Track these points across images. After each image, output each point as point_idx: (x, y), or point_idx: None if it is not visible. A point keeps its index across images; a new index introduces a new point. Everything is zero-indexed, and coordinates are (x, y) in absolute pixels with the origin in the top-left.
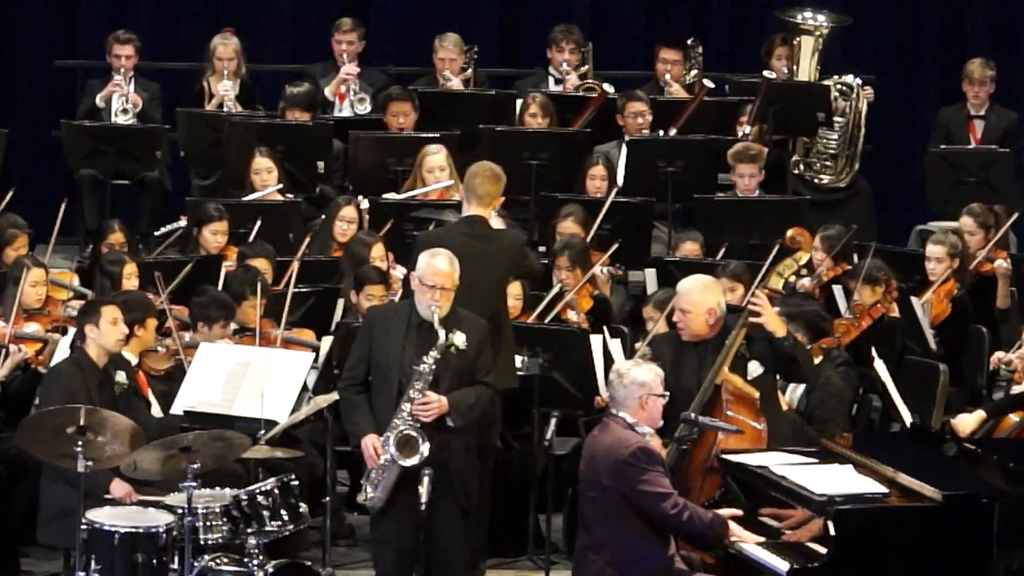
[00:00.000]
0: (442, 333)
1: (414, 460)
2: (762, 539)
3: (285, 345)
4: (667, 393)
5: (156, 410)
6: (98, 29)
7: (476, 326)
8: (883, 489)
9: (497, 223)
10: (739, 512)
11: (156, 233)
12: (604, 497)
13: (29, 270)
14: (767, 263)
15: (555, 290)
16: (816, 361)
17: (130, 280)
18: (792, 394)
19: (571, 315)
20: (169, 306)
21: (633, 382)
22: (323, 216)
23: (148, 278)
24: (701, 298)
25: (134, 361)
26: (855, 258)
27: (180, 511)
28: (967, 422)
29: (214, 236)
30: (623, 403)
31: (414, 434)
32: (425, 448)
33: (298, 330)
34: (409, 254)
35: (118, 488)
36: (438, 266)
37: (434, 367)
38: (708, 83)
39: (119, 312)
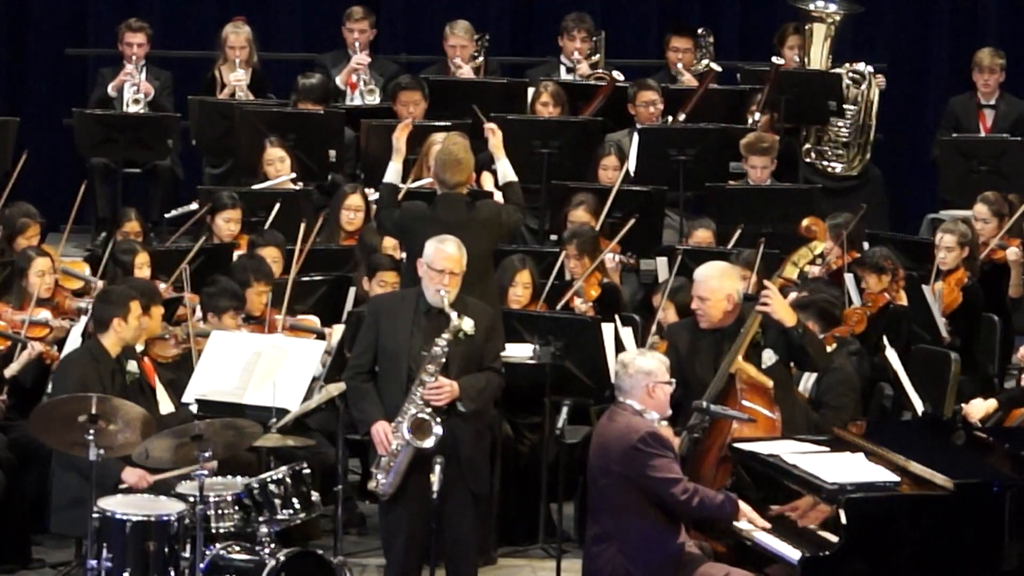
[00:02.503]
0: (454, 315)
1: (429, 442)
2: (769, 525)
3: (289, 332)
4: (673, 380)
5: (163, 398)
6: (109, 17)
7: (484, 313)
8: (895, 478)
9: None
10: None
11: (167, 216)
12: (614, 485)
13: (32, 260)
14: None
15: (561, 278)
16: (829, 350)
17: (142, 269)
18: (806, 383)
19: (578, 303)
20: (183, 293)
21: (639, 371)
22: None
23: (160, 267)
24: (719, 284)
25: (139, 348)
26: (865, 246)
27: (192, 499)
28: (979, 407)
29: (227, 224)
30: (630, 392)
31: (427, 417)
32: (439, 429)
33: (303, 317)
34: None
35: (131, 475)
36: (447, 251)
37: (446, 349)
38: (715, 67)
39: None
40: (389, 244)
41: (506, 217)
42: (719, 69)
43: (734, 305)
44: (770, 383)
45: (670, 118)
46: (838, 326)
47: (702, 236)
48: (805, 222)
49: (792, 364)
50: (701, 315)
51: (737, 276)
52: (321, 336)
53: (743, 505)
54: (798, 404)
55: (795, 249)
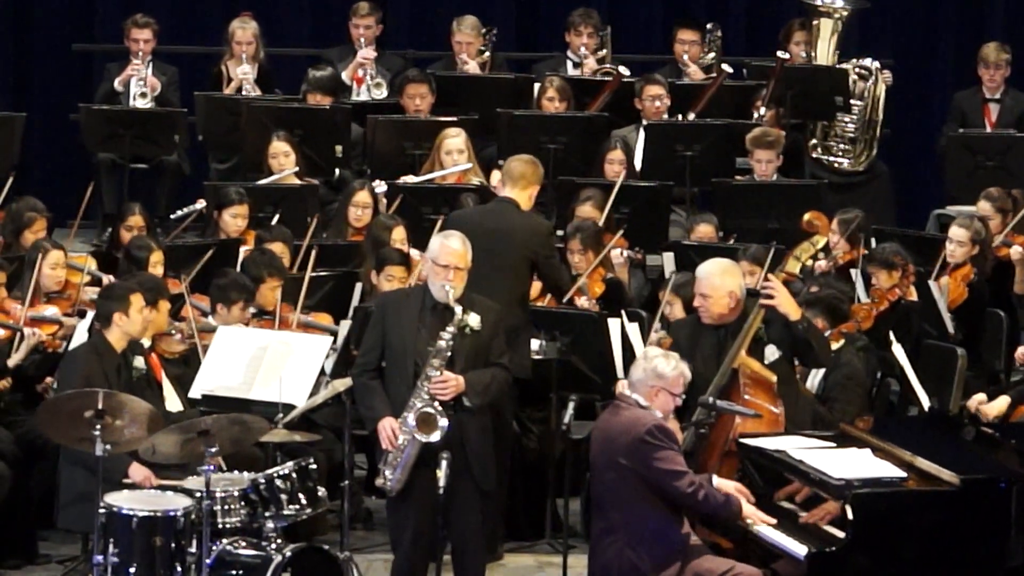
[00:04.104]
0: (458, 309)
1: (434, 436)
2: (775, 521)
3: (302, 329)
4: (683, 397)
5: (170, 394)
6: (116, 13)
7: (490, 309)
8: (901, 473)
9: None
10: (752, 499)
11: (172, 216)
12: (620, 478)
13: (48, 252)
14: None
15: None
16: (836, 345)
17: (156, 267)
18: (813, 379)
19: (582, 300)
20: (188, 290)
21: (654, 370)
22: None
23: (172, 263)
24: (721, 282)
25: (147, 344)
26: (872, 242)
27: (198, 495)
28: (993, 407)
29: (234, 219)
30: (637, 385)
31: (432, 411)
32: (444, 422)
33: (316, 314)
34: (425, 237)
35: (137, 472)
36: (451, 246)
37: (451, 343)
38: (727, 68)
39: (144, 299)
40: (398, 238)
41: (553, 255)
42: (730, 70)
43: (736, 302)
44: (773, 377)
45: (679, 116)
46: (845, 322)
47: (704, 231)
48: (807, 216)
49: (796, 360)
50: (704, 312)
51: (739, 273)
52: (333, 334)
53: (746, 506)
54: (802, 399)
55: (797, 243)
